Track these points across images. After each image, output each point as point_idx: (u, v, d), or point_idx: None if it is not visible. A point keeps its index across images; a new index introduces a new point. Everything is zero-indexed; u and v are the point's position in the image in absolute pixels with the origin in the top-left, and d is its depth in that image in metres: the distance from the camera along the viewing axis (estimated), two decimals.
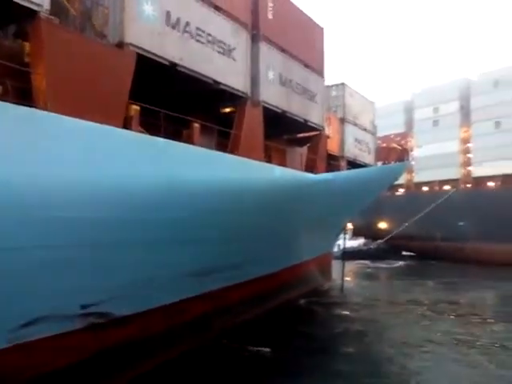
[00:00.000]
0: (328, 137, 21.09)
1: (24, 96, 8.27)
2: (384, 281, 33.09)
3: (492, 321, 18.99)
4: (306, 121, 17.96)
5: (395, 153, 29.19)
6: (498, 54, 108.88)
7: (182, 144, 11.28)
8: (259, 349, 14.00)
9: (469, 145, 43.67)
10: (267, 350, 13.97)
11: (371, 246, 44.52)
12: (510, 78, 39.42)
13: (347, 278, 28.57)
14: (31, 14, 8.25)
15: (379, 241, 44.62)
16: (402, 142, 31.54)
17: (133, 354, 11.26)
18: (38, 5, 8.22)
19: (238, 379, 12.02)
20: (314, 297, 22.79)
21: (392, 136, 33.56)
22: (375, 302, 23.46)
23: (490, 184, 40.86)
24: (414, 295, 24.77)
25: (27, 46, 8.84)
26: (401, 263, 41.12)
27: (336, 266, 28.68)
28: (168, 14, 10.97)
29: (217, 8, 12.83)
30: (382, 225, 45.49)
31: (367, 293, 26.09)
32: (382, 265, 39.51)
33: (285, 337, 15.88)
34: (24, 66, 8.53)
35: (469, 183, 42.65)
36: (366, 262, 40.71)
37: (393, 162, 28.23)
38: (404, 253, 45.56)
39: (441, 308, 21.26)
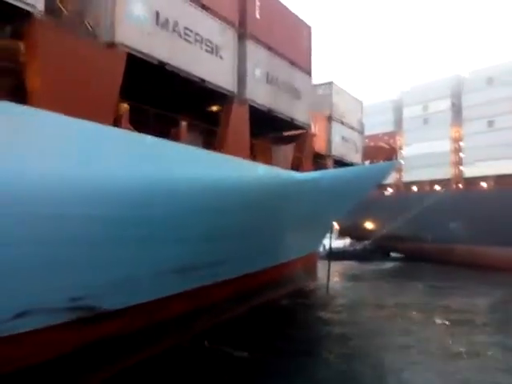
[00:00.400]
0: (314, 135, 22.01)
1: (18, 94, 8.97)
2: (371, 282, 32.97)
3: (483, 329, 18.73)
4: (292, 119, 18.79)
5: (383, 152, 30.15)
6: (490, 52, 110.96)
7: (168, 141, 12.01)
8: (240, 349, 14.29)
9: (461, 144, 43.49)
10: (248, 350, 14.23)
11: (357, 247, 45.25)
12: (504, 76, 39.39)
13: (333, 279, 28.75)
14: (25, 15, 8.92)
15: (366, 241, 45.28)
16: (391, 140, 32.47)
17: (113, 349, 11.86)
18: (32, 6, 8.88)
19: (217, 380, 12.43)
20: (299, 297, 23.11)
21: (380, 135, 34.28)
22: (361, 304, 23.70)
23: (483, 184, 40.84)
24: (402, 299, 24.59)
25: (22, 45, 9.58)
26: (389, 264, 41.57)
27: (321, 266, 29.23)
28: (157, 14, 11.76)
29: (204, 7, 13.62)
30: (369, 225, 45.84)
31: (353, 294, 26.30)
32: (370, 266, 39.75)
33: (267, 338, 16.22)
34: (19, 65, 9.28)
35: (460, 183, 42.74)
36: (353, 262, 41.07)
37: (381, 161, 29.19)
38: (392, 254, 46.28)
39: (430, 314, 21.03)
